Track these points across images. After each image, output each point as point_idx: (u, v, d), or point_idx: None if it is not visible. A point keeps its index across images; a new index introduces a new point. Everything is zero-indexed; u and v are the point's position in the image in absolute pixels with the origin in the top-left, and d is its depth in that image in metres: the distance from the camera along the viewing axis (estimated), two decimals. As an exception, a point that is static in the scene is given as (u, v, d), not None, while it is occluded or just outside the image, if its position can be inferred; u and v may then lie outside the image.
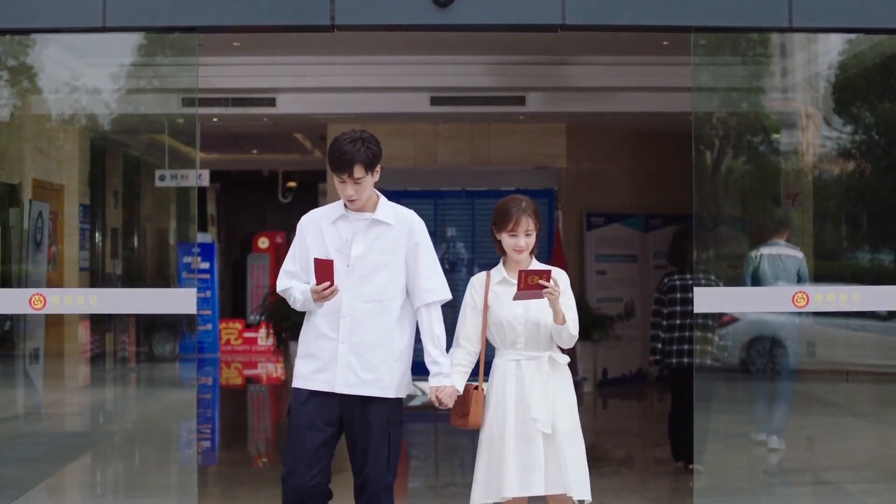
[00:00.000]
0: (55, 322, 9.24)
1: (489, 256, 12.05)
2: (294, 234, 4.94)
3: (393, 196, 4.89)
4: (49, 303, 5.96)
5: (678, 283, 8.20)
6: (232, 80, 10.23)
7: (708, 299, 6.33)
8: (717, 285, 7.66)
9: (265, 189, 20.14)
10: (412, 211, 4.83)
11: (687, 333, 8.08)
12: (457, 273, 12.02)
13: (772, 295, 6.75)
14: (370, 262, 4.69)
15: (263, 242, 19.13)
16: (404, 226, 4.75)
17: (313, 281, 4.66)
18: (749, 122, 8.03)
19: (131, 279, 12.00)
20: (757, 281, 7.93)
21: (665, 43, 8.23)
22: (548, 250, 11.84)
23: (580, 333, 4.83)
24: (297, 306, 4.76)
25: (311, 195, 18.11)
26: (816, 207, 8.11)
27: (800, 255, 7.95)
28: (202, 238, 18.40)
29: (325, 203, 5.38)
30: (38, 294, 5.97)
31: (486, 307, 4.81)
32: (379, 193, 4.79)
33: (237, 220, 21.62)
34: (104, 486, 7.95)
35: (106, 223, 11.54)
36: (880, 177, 7.97)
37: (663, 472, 8.40)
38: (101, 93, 8.25)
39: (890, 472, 7.32)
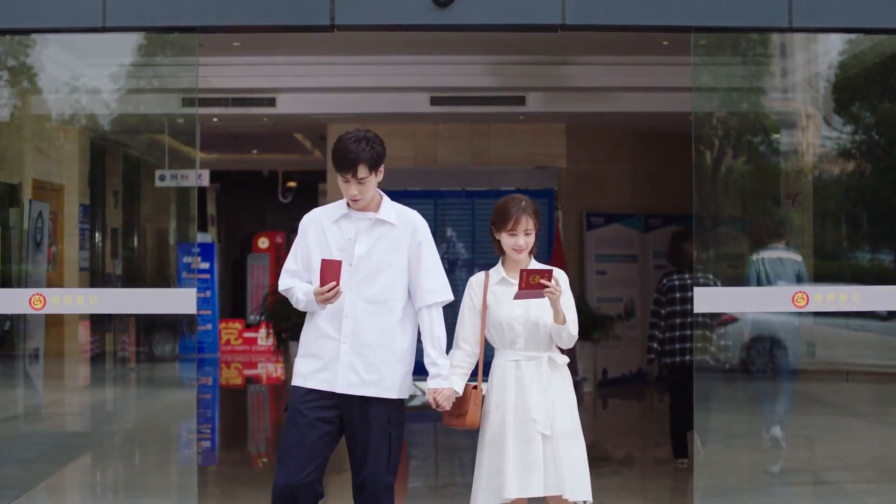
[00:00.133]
0: (55, 322, 9.24)
1: (489, 256, 12.03)
2: (294, 234, 4.94)
3: (393, 196, 4.89)
4: (49, 303, 5.96)
5: (677, 282, 8.25)
6: (232, 80, 10.23)
7: (708, 299, 6.33)
8: (716, 285, 7.67)
9: (265, 189, 20.15)
10: (415, 211, 4.82)
11: (687, 332, 8.10)
12: (456, 273, 12.02)
13: (772, 295, 6.75)
14: (373, 261, 4.68)
15: (263, 242, 19.13)
16: (407, 226, 4.74)
17: (316, 281, 4.66)
18: (749, 122, 8.03)
19: (131, 279, 12.00)
20: (759, 285, 7.93)
21: (665, 43, 8.23)
22: (548, 250, 11.84)
23: (580, 333, 4.83)
24: (300, 307, 4.75)
25: (311, 195, 18.11)
26: (816, 207, 8.11)
27: (799, 258, 7.96)
28: (202, 238, 18.40)
29: (325, 203, 5.37)
30: (38, 294, 5.97)
31: (484, 307, 4.80)
32: (382, 193, 4.78)
33: (237, 220, 21.62)
34: (104, 486, 7.94)
35: (106, 223, 11.55)
36: (880, 177, 7.97)
37: (663, 472, 8.40)
38: (101, 93, 8.25)
39: (890, 472, 7.32)
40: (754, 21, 6.11)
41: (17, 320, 8.45)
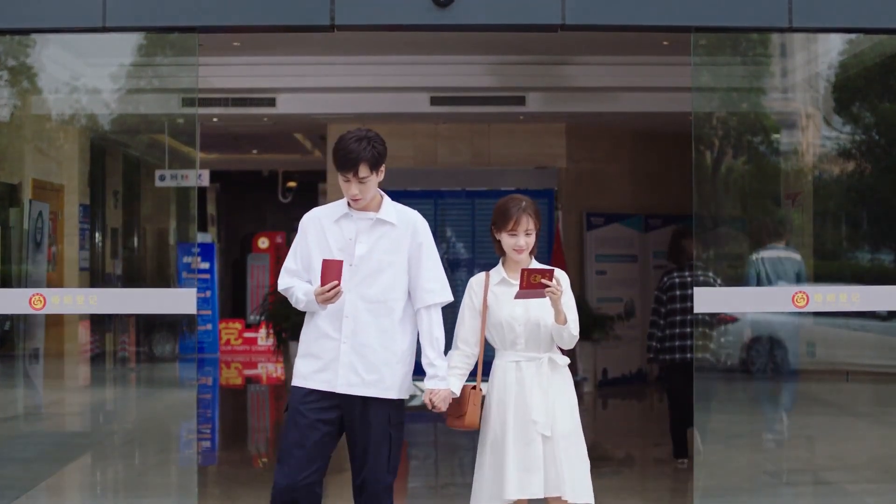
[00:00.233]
0: (55, 322, 9.25)
1: (489, 256, 12.03)
2: (294, 234, 4.93)
3: (393, 196, 4.88)
4: (49, 303, 5.96)
5: (677, 280, 8.27)
6: (232, 80, 10.23)
7: (708, 299, 6.33)
8: (716, 283, 7.68)
9: (265, 189, 20.15)
10: (416, 211, 4.81)
11: (687, 330, 8.12)
12: (456, 273, 12.02)
13: (772, 295, 6.75)
14: (374, 261, 4.67)
15: (263, 242, 19.13)
16: (408, 226, 4.74)
17: (315, 281, 4.66)
18: (749, 122, 8.03)
19: (131, 279, 12.01)
20: (759, 285, 7.94)
21: (665, 43, 8.23)
22: (548, 250, 11.84)
23: (580, 333, 4.82)
24: (300, 306, 4.74)
25: (311, 195, 18.12)
26: (816, 207, 8.11)
27: (798, 257, 7.97)
28: (202, 238, 18.40)
29: (326, 203, 5.37)
30: (38, 294, 5.97)
31: (485, 308, 4.79)
32: (383, 193, 4.77)
33: (237, 220, 21.62)
34: (104, 486, 7.95)
35: (106, 223, 11.55)
36: (880, 177, 7.97)
37: (663, 472, 8.40)
38: (101, 93, 8.25)
39: (890, 472, 7.32)
40: (754, 21, 6.11)
41: (17, 320, 8.45)
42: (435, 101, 10.81)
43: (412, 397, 4.72)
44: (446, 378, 4.72)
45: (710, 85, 6.81)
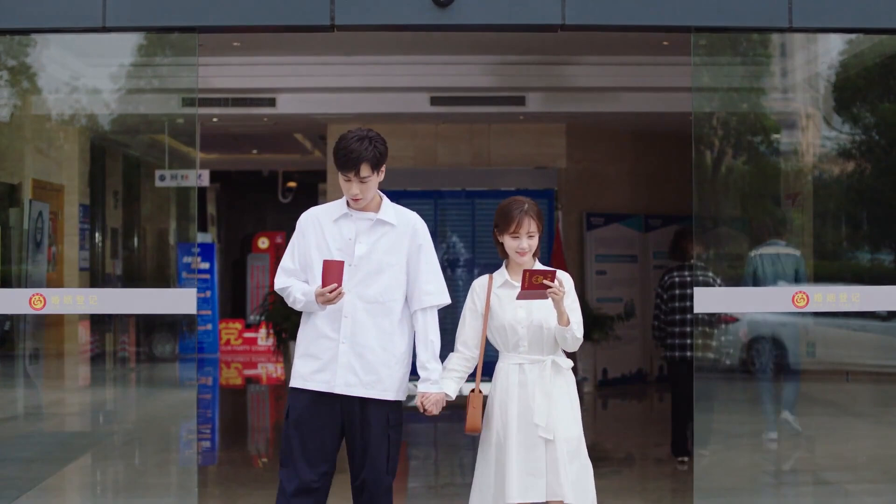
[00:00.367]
0: (55, 322, 9.25)
1: (489, 257, 12.06)
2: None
3: (393, 196, 4.87)
4: (49, 303, 5.96)
5: (677, 279, 8.32)
6: (232, 80, 10.23)
7: (708, 299, 6.33)
8: (716, 283, 7.68)
9: (265, 189, 20.15)
10: (415, 213, 4.80)
11: (687, 329, 8.14)
12: (456, 273, 12.02)
13: (772, 295, 6.75)
14: (374, 262, 4.66)
15: (263, 242, 19.14)
16: (408, 227, 4.73)
17: (313, 280, 4.65)
18: (749, 122, 8.03)
19: (131, 279, 12.02)
20: (756, 281, 7.96)
21: (665, 43, 8.24)
22: (548, 250, 11.84)
23: (580, 334, 4.80)
24: (298, 306, 4.72)
25: (311, 195, 18.13)
26: (816, 207, 8.11)
27: (797, 253, 7.98)
28: (202, 238, 18.41)
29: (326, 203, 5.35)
30: (38, 294, 5.97)
31: (487, 311, 4.77)
32: (382, 194, 4.76)
33: (237, 220, 21.63)
34: (104, 486, 7.95)
35: (106, 223, 11.56)
36: (880, 177, 7.97)
37: (663, 472, 8.40)
38: (101, 93, 8.25)
39: (890, 472, 7.33)
40: (754, 21, 6.11)
41: (17, 320, 8.45)
42: (435, 101, 10.81)
43: (411, 397, 4.71)
44: (439, 382, 4.71)
45: (710, 85, 6.81)
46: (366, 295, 4.65)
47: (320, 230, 4.72)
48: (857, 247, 8.29)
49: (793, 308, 5.99)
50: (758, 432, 8.30)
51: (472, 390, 4.75)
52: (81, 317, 9.74)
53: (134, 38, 6.76)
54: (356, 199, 4.65)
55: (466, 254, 12.41)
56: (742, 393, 8.90)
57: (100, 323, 10.42)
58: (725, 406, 7.77)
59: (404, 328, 4.73)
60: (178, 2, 6.00)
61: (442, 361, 4.79)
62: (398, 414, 4.74)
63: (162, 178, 10.21)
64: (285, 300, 4.77)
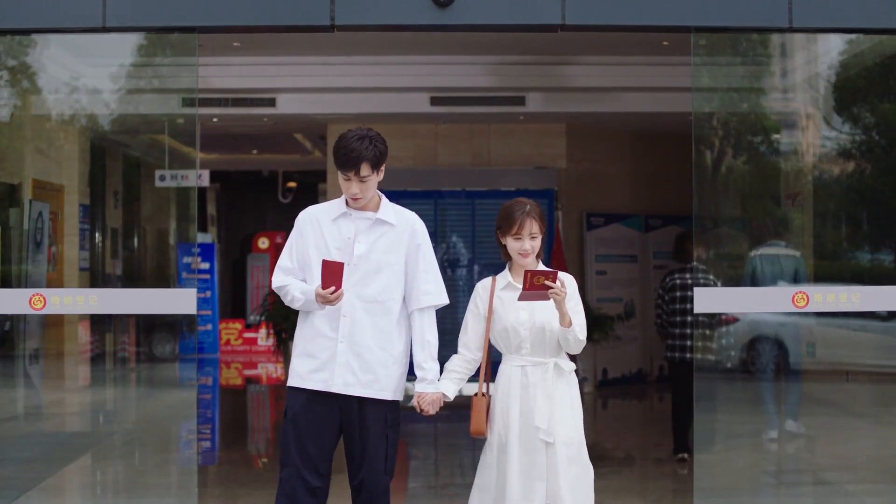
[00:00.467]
0: (55, 322, 9.26)
1: (489, 257, 12.06)
2: (294, 234, 4.89)
3: (393, 196, 4.87)
4: (49, 303, 5.96)
5: (678, 281, 8.33)
6: (232, 80, 10.23)
7: (708, 299, 6.33)
8: (717, 286, 7.69)
9: (265, 189, 20.16)
10: (414, 213, 4.80)
11: (688, 331, 8.15)
12: (456, 274, 12.02)
13: (772, 295, 6.75)
14: (373, 261, 4.66)
15: (263, 242, 19.14)
16: (406, 227, 4.72)
17: (311, 280, 4.64)
18: (749, 122, 8.03)
19: (131, 279, 12.02)
20: (755, 282, 7.96)
21: (665, 43, 8.23)
22: (548, 251, 11.84)
23: (581, 334, 4.79)
24: (296, 305, 4.71)
25: (311, 195, 18.13)
26: (816, 207, 8.11)
27: (797, 254, 7.99)
28: (202, 238, 18.42)
29: (326, 203, 5.35)
30: (38, 294, 5.97)
31: (490, 313, 4.76)
32: (381, 194, 4.76)
33: (237, 220, 21.63)
34: (104, 486, 7.95)
35: (106, 223, 11.56)
36: (880, 177, 7.97)
37: (663, 472, 8.40)
38: (101, 93, 8.25)
39: (890, 472, 7.33)
40: (754, 21, 6.11)
41: (17, 320, 8.45)
42: (435, 101, 10.81)
43: (409, 398, 4.71)
44: (435, 382, 4.70)
45: (710, 85, 6.81)
46: (364, 294, 4.64)
47: (319, 229, 4.71)
48: (857, 247, 8.30)
49: (793, 308, 5.99)
50: (758, 432, 8.30)
51: (476, 393, 4.75)
52: (81, 317, 9.74)
53: (134, 38, 6.76)
54: (355, 199, 4.64)
55: (466, 254, 12.41)
56: (742, 393, 8.91)
57: (100, 323, 10.43)
58: (725, 406, 7.77)
59: (402, 328, 4.72)
60: (178, 2, 6.00)
61: (442, 362, 4.79)
62: (396, 414, 4.73)
63: (162, 178, 10.22)
64: (282, 298, 4.76)
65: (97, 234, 11.03)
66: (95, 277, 10.79)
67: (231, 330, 18.05)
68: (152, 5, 6.00)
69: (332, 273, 4.48)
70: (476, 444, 4.84)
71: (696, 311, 6.19)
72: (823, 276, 8.01)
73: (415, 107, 10.90)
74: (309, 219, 4.75)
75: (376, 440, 4.64)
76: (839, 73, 7.56)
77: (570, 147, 12.47)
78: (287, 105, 10.93)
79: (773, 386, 8.96)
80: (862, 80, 7.74)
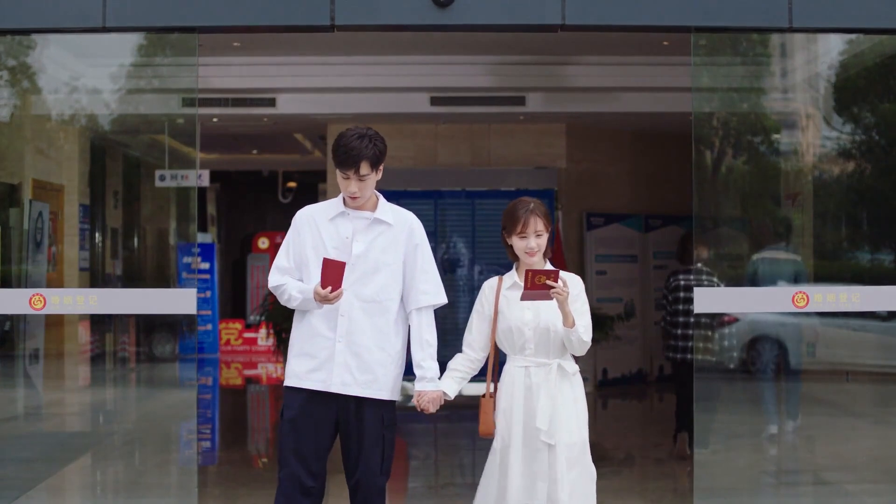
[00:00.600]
0: (55, 322, 9.26)
1: (489, 257, 12.06)
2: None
3: (393, 196, 4.86)
4: (49, 303, 5.96)
5: (682, 282, 8.39)
6: (232, 80, 10.23)
7: (708, 299, 6.33)
8: (719, 285, 7.70)
9: (265, 189, 20.16)
10: (411, 212, 4.80)
11: (690, 331, 8.17)
12: (456, 274, 12.01)
13: (772, 295, 6.75)
14: (371, 261, 4.66)
15: (263, 242, 19.14)
16: (404, 226, 4.72)
17: (308, 279, 4.64)
18: (749, 122, 8.03)
19: (131, 279, 12.02)
20: (755, 284, 7.97)
21: (665, 43, 8.23)
22: (548, 250, 11.82)
23: (582, 334, 4.77)
24: (292, 305, 4.70)
25: (311, 195, 18.12)
26: (816, 208, 8.11)
27: (798, 258, 8.00)
28: (202, 238, 18.42)
29: (326, 203, 5.33)
30: (38, 294, 5.97)
31: (496, 313, 4.75)
32: (378, 193, 4.76)
33: (237, 220, 21.63)
34: (104, 486, 7.95)
35: (106, 223, 11.56)
36: (880, 177, 7.97)
37: (663, 472, 8.40)
38: (101, 93, 8.25)
39: (890, 472, 7.33)
40: (754, 21, 6.11)
41: (17, 320, 8.45)
42: (435, 101, 10.81)
43: (410, 397, 4.71)
44: (435, 380, 4.70)
45: (710, 85, 6.81)
46: (362, 294, 4.64)
47: (316, 229, 4.70)
48: (857, 247, 8.30)
49: (793, 308, 5.99)
50: (758, 432, 8.30)
51: (484, 395, 4.75)
52: (81, 317, 9.75)
53: (134, 38, 6.76)
54: (354, 197, 4.63)
55: (466, 254, 12.41)
56: (742, 393, 8.91)
57: (100, 323, 10.43)
58: (725, 406, 7.77)
59: (399, 327, 4.72)
60: (178, 2, 6.00)
61: (443, 362, 4.79)
62: (392, 414, 4.73)
63: (162, 178, 10.22)
64: (278, 298, 4.75)
65: (97, 234, 11.03)
66: (95, 277, 10.80)
67: (231, 330, 18.05)
68: (152, 5, 6.00)
69: (333, 272, 4.47)
70: (476, 444, 4.85)
71: (696, 311, 6.19)
72: (823, 275, 8.01)
73: (415, 107, 10.90)
74: (306, 219, 4.74)
75: (373, 440, 4.64)
76: (839, 73, 7.56)
77: (570, 147, 12.47)
78: (287, 105, 10.93)
79: (773, 386, 8.96)
80: (862, 80, 7.74)
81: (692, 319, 8.08)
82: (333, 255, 4.60)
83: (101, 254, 11.24)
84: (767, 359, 9.03)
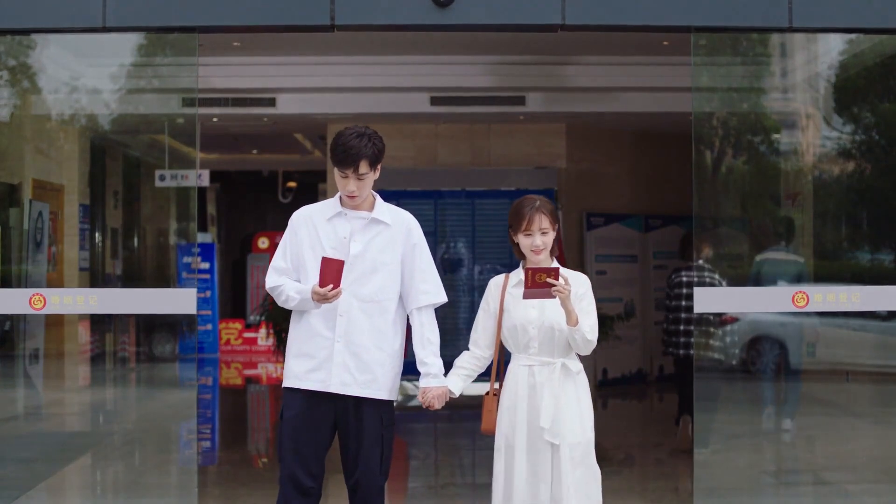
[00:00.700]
0: (55, 322, 9.25)
1: (489, 257, 12.05)
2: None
3: (393, 196, 4.87)
4: (49, 303, 5.96)
5: (685, 279, 8.42)
6: (232, 80, 10.23)
7: (708, 299, 6.33)
8: (721, 285, 7.70)
9: (265, 189, 20.16)
10: (408, 212, 4.80)
11: (691, 327, 8.19)
12: (456, 273, 12.01)
13: (772, 295, 6.75)
14: (369, 261, 4.65)
15: (263, 242, 19.15)
16: (402, 226, 4.72)
17: (305, 279, 4.63)
18: (749, 122, 8.03)
19: (131, 279, 12.02)
20: (759, 286, 7.97)
21: (665, 43, 8.24)
22: (548, 250, 11.81)
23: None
24: (290, 305, 4.69)
25: (311, 195, 18.12)
26: (816, 208, 8.11)
27: (800, 259, 8.00)
28: (202, 238, 18.42)
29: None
30: (38, 294, 5.97)
31: (501, 311, 4.74)
32: (375, 193, 4.75)
33: (237, 220, 21.64)
34: (104, 486, 7.95)
35: (106, 223, 11.56)
36: (880, 177, 7.97)
37: (663, 472, 8.40)
38: (101, 93, 8.25)
39: (890, 472, 7.33)
40: (754, 21, 6.11)
41: (17, 320, 8.45)
42: (435, 101, 10.81)
43: (411, 397, 4.71)
44: (440, 376, 4.69)
45: (710, 85, 6.81)
46: (361, 294, 4.63)
47: (314, 229, 4.69)
48: (857, 247, 8.29)
49: (793, 308, 5.99)
50: (758, 432, 8.30)
51: (487, 392, 4.75)
52: (81, 317, 9.74)
53: (134, 38, 6.76)
54: (352, 197, 4.63)
55: (466, 254, 12.41)
56: (742, 393, 8.91)
57: (100, 323, 10.43)
58: (725, 406, 7.77)
59: (398, 327, 4.72)
60: (178, 2, 6.01)
61: (445, 362, 4.78)
62: (391, 414, 4.72)
63: (162, 178, 10.22)
64: (276, 299, 4.75)
65: (97, 234, 11.03)
66: (95, 277, 10.80)
67: (231, 330, 18.06)
68: (152, 5, 6.01)
69: (332, 270, 4.47)
70: (477, 444, 4.85)
71: (696, 310, 6.19)
72: (823, 275, 8.01)
73: (415, 107, 10.90)
74: (303, 219, 4.74)
75: (372, 440, 4.64)
76: (839, 73, 7.56)
77: (570, 147, 12.47)
78: (287, 105, 10.94)
79: (773, 385, 8.96)
80: (862, 80, 7.73)
81: (694, 316, 8.08)
82: (332, 256, 4.60)
83: (101, 254, 11.24)
84: (767, 359, 9.03)
